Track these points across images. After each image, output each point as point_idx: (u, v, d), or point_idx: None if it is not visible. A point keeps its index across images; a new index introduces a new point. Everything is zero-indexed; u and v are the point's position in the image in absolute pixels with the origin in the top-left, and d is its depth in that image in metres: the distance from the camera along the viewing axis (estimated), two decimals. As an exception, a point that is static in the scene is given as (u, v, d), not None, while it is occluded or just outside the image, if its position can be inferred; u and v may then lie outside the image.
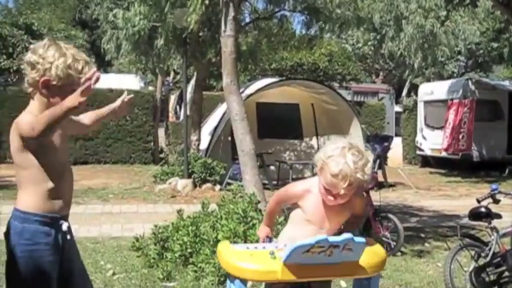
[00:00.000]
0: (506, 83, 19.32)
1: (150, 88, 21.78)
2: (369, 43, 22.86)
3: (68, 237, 2.79)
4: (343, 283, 5.56)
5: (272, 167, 14.12)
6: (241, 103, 7.27)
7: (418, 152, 19.98)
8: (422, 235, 8.39)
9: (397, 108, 25.71)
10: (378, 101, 24.72)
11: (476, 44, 24.54)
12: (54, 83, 2.62)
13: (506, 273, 5.06)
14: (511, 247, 5.43)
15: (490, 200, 5.22)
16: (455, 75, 26.99)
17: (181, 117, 18.68)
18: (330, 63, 27.50)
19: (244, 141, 7.04)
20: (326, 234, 2.67)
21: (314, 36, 14.79)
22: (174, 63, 19.64)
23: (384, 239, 7.05)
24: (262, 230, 3.22)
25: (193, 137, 13.81)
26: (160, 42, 12.74)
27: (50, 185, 2.66)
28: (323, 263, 2.62)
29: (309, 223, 2.89)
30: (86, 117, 3.10)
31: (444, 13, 16.01)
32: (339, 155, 2.71)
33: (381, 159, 13.83)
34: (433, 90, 19.04)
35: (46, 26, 25.71)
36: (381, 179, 12.06)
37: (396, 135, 21.84)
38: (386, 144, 14.21)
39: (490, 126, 17.24)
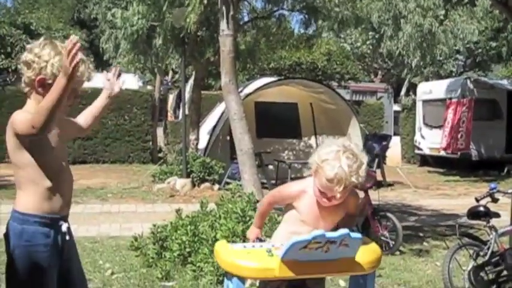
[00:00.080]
0: (505, 82, 19.31)
1: (149, 87, 21.80)
2: (368, 42, 22.82)
3: (67, 237, 2.78)
4: (342, 282, 5.56)
5: (271, 167, 14.11)
6: (240, 102, 7.27)
7: (416, 151, 19.99)
8: (421, 234, 8.39)
9: (396, 108, 25.71)
10: (376, 100, 24.72)
11: (474, 43, 24.51)
12: (50, 81, 2.61)
13: (505, 272, 5.06)
14: (509, 246, 5.44)
15: (489, 199, 5.22)
16: (453, 74, 26.98)
17: (180, 117, 18.68)
18: (329, 63, 27.51)
19: (243, 141, 7.04)
20: None
21: (312, 36, 14.82)
22: (172, 63, 19.66)
23: (382, 238, 7.06)
24: (253, 232, 3.22)
25: (192, 137, 13.81)
26: (158, 41, 12.74)
27: (48, 184, 2.65)
28: (320, 260, 2.62)
29: (303, 223, 2.89)
30: (82, 118, 3.07)
31: (443, 12, 16.03)
32: (334, 158, 2.71)
33: (380, 159, 13.86)
34: (432, 89, 19.04)
35: (44, 26, 25.68)
36: (379, 178, 12.08)
37: (395, 134, 21.86)
38: (384, 143, 14.23)
39: (488, 126, 17.24)
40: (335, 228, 2.92)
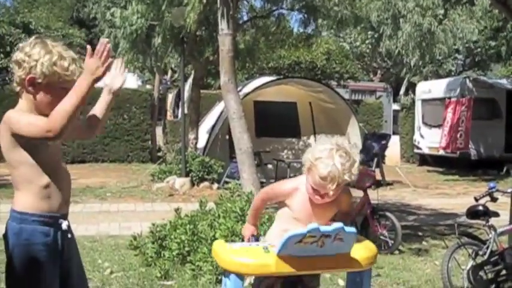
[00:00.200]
0: (504, 81, 19.34)
1: (148, 87, 21.81)
2: (367, 41, 22.83)
3: (69, 235, 2.78)
4: (341, 282, 5.56)
5: (270, 166, 14.12)
6: (239, 101, 7.27)
7: (415, 151, 20.00)
8: (420, 233, 8.39)
9: (395, 107, 25.73)
10: (375, 100, 24.73)
11: (474, 43, 24.53)
12: (40, 80, 2.60)
13: (504, 272, 5.07)
14: (508, 245, 5.44)
15: (488, 198, 5.22)
16: (453, 73, 27.00)
17: (179, 116, 18.68)
18: (328, 62, 27.52)
19: (242, 140, 7.04)
20: None
21: (311, 35, 14.81)
22: (171, 62, 19.69)
23: (381, 237, 7.06)
24: (247, 229, 3.25)
25: (191, 136, 13.82)
26: (157, 40, 12.74)
27: (44, 182, 2.63)
28: (316, 255, 2.65)
29: (296, 221, 2.91)
30: (83, 119, 2.97)
31: (442, 11, 16.03)
32: (327, 156, 2.75)
33: (379, 158, 13.86)
34: (431, 88, 19.06)
35: (43, 25, 25.69)
36: (378, 177, 12.07)
37: (394, 133, 21.87)
38: (384, 142, 14.24)
39: (487, 125, 17.25)
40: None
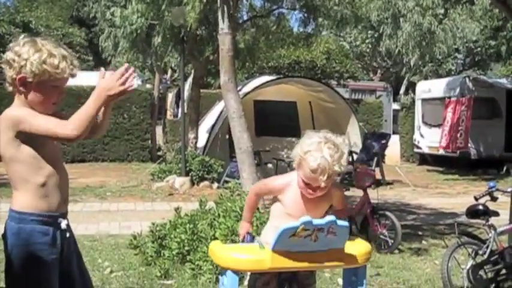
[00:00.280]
0: (504, 80, 19.33)
1: (148, 86, 21.77)
2: (367, 41, 22.89)
3: (67, 234, 2.77)
4: (341, 281, 5.56)
5: (270, 165, 14.11)
6: (239, 101, 7.27)
7: (415, 150, 19.99)
8: (420, 233, 8.39)
9: (395, 106, 25.71)
10: (375, 99, 24.70)
11: (474, 42, 24.55)
12: (30, 80, 2.59)
13: (504, 271, 5.06)
14: (508, 245, 5.44)
15: (488, 197, 5.22)
16: (452, 73, 27.01)
17: (179, 115, 18.68)
18: (328, 61, 27.51)
19: (242, 139, 7.04)
20: None
21: (311, 34, 14.80)
22: (171, 61, 19.68)
23: (381, 236, 7.06)
24: (243, 227, 3.30)
25: (191, 135, 13.82)
26: (157, 40, 12.74)
27: (41, 181, 2.63)
28: (311, 251, 2.70)
29: (289, 216, 2.94)
30: None
31: (442, 11, 16.04)
32: (316, 149, 2.82)
33: (379, 157, 13.85)
34: (431, 88, 19.05)
35: (43, 24, 25.71)
36: (378, 176, 12.08)
37: (394, 133, 21.86)
38: (383, 142, 14.23)
39: (487, 124, 17.24)
40: None
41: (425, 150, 19.05)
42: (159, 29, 12.48)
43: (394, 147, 17.61)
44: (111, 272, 5.89)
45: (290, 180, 3.00)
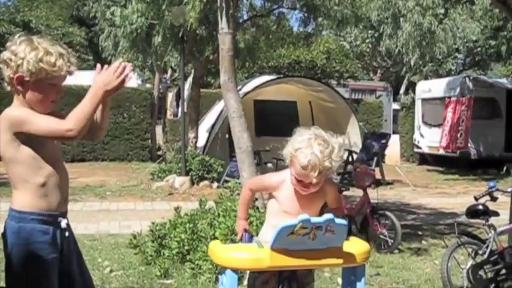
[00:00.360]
0: (504, 80, 19.32)
1: (148, 85, 21.76)
2: (367, 41, 22.86)
3: (67, 234, 2.77)
4: (340, 281, 5.56)
5: (269, 165, 14.09)
6: (239, 100, 7.25)
7: (415, 150, 19.99)
8: (420, 233, 8.39)
9: (395, 106, 25.72)
10: (375, 99, 24.71)
11: (474, 42, 24.54)
12: (27, 78, 2.59)
13: (504, 271, 5.06)
14: (508, 245, 5.44)
15: (488, 197, 5.22)
16: (453, 72, 27.00)
17: (179, 115, 18.68)
18: (328, 61, 27.49)
19: (242, 139, 7.03)
20: None
21: (312, 34, 14.80)
22: (171, 61, 19.64)
23: (381, 236, 7.06)
24: (240, 225, 3.32)
25: (191, 135, 13.81)
26: (158, 39, 12.73)
27: (41, 181, 2.63)
28: (309, 249, 2.71)
29: (285, 214, 2.97)
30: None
31: (442, 11, 16.04)
32: (306, 146, 2.84)
33: (379, 157, 13.86)
34: (431, 88, 19.05)
35: (43, 23, 25.69)
36: (378, 176, 12.08)
37: (394, 132, 21.87)
38: (383, 141, 14.23)
39: (487, 124, 17.24)
40: None
41: (425, 150, 19.05)
42: (159, 29, 12.47)
43: (394, 147, 17.61)
44: (111, 271, 5.89)
45: (284, 177, 3.03)
